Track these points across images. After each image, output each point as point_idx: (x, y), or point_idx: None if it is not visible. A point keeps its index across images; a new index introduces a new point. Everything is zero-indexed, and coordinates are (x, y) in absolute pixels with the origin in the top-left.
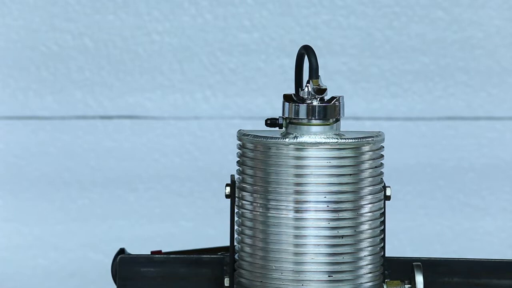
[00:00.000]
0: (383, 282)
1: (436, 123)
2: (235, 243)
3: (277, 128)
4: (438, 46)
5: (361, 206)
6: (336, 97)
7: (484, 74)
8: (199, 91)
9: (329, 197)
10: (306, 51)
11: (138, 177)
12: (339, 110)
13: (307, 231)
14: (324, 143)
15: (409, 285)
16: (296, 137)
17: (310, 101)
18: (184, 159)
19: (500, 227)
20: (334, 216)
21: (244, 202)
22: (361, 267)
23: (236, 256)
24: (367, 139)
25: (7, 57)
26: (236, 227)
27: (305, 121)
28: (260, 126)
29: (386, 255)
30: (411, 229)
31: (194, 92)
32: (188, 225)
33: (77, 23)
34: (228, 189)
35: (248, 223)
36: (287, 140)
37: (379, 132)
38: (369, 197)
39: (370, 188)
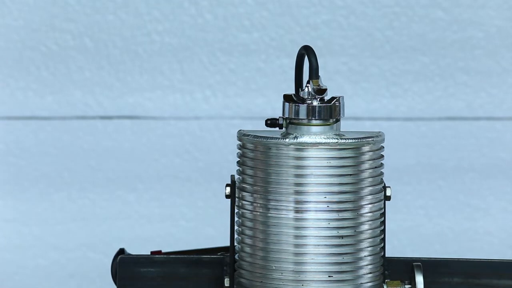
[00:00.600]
0: (383, 282)
1: (436, 123)
2: (235, 243)
3: (277, 128)
4: (438, 46)
5: (361, 206)
6: (336, 97)
7: (484, 74)
8: (199, 91)
9: (329, 197)
10: (306, 51)
11: (138, 177)
12: (339, 110)
13: (307, 231)
14: (324, 143)
15: (409, 285)
16: (296, 137)
17: (310, 101)
18: (184, 159)
19: (500, 227)
20: (334, 216)
21: (244, 202)
22: (361, 267)
23: (236, 256)
24: (367, 139)
25: (7, 57)
26: (236, 227)
27: (305, 121)
28: (260, 126)
29: (386, 255)
30: (411, 229)
31: (194, 92)
32: (188, 225)
33: (77, 23)
34: (228, 189)
35: (248, 223)
36: (287, 140)
37: (379, 132)
38: (369, 197)
39: (370, 188)
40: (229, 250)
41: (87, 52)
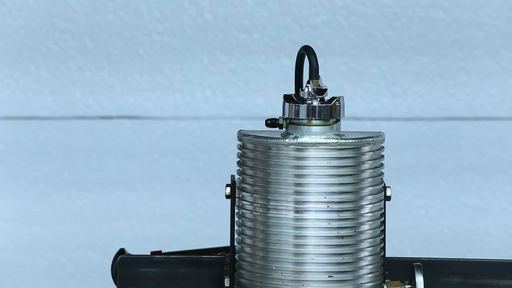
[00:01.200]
0: (384, 282)
1: (436, 123)
2: (235, 243)
3: (277, 129)
4: (438, 46)
5: (362, 207)
6: (336, 97)
7: (484, 74)
8: (199, 91)
9: (329, 198)
10: (306, 51)
11: (138, 177)
12: (339, 110)
13: (307, 232)
14: (324, 143)
15: (409, 286)
16: (296, 137)
17: (310, 101)
18: (184, 159)
19: (500, 227)
20: (334, 217)
21: (244, 202)
22: (361, 268)
23: (236, 256)
24: (367, 139)
25: (7, 57)
26: (236, 227)
27: (305, 121)
28: (260, 126)
29: (386, 255)
30: (411, 229)
31: (194, 92)
32: (188, 225)
33: (77, 23)
34: (228, 189)
35: (248, 224)
36: (287, 140)
37: (379, 132)
38: (370, 197)
39: (370, 188)
40: (229, 250)
41: (87, 52)
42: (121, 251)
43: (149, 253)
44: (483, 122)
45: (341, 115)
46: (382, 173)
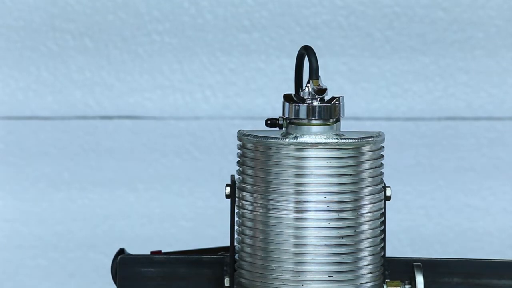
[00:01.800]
0: (383, 282)
1: (436, 123)
2: (235, 243)
3: (277, 128)
4: (438, 46)
5: (361, 206)
6: (336, 97)
7: (484, 74)
8: (199, 91)
9: (329, 197)
10: (306, 51)
11: (138, 177)
12: (339, 110)
13: (307, 231)
14: (324, 143)
15: (409, 285)
16: (296, 137)
17: (310, 101)
18: (184, 159)
19: (500, 227)
20: (334, 216)
21: (244, 202)
22: (361, 267)
23: (236, 256)
24: (367, 139)
25: (7, 57)
26: (236, 227)
27: (305, 121)
28: (260, 126)
29: (386, 255)
30: (411, 229)
31: (194, 92)
32: (188, 225)
33: (77, 23)
34: (228, 189)
35: (248, 223)
36: (287, 140)
37: (379, 132)
38: (369, 197)
39: (370, 188)
40: (229, 250)
41: (87, 52)
42: (121, 251)
43: (149, 253)
44: (483, 122)
45: (341, 115)
46: (382, 173)
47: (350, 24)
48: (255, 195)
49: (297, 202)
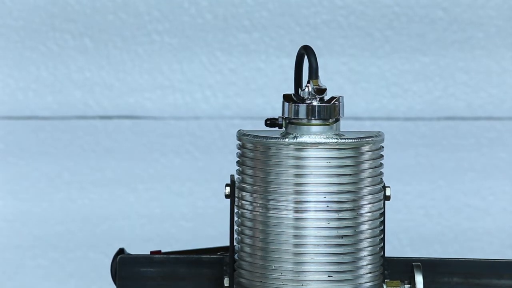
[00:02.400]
0: (383, 282)
1: (436, 123)
2: (235, 243)
3: (277, 128)
4: (438, 46)
5: (361, 206)
6: (336, 97)
7: (484, 74)
8: (199, 91)
9: (329, 197)
10: (306, 51)
11: (138, 177)
12: (339, 110)
13: (306, 231)
14: (323, 143)
15: (409, 285)
16: (296, 137)
17: (310, 101)
18: (184, 159)
19: (500, 227)
20: (334, 216)
21: (244, 202)
22: (361, 267)
23: (236, 256)
24: (367, 139)
25: (7, 57)
26: (235, 227)
27: (304, 121)
28: (260, 126)
29: (386, 255)
30: (411, 229)
31: (194, 92)
32: (188, 225)
33: (77, 23)
34: (228, 189)
35: (248, 223)
36: (286, 140)
37: (379, 132)
38: (369, 197)
39: (370, 188)
40: (228, 250)
41: (87, 52)
42: (121, 251)
43: (149, 253)
44: (483, 122)
45: (340, 115)
46: (381, 173)
47: (350, 24)
48: (254, 195)
49: (297, 202)
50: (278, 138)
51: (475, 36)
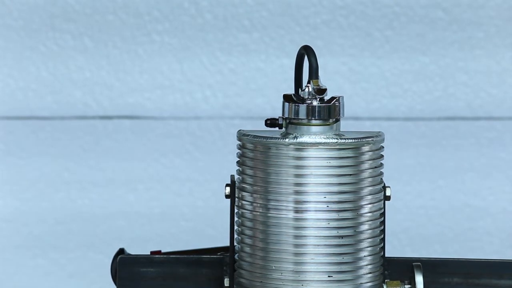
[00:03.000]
0: (383, 282)
1: (436, 123)
2: (235, 243)
3: (277, 128)
4: (438, 46)
5: (361, 206)
6: (336, 97)
7: (484, 74)
8: (199, 91)
9: (329, 197)
10: (306, 51)
11: (138, 177)
12: (339, 110)
13: (307, 231)
14: (324, 143)
15: (409, 285)
16: (296, 137)
17: (310, 101)
18: (184, 159)
19: (500, 227)
20: (334, 216)
21: (244, 202)
22: (361, 267)
23: (236, 256)
24: (367, 139)
25: (6, 57)
26: (236, 227)
27: (305, 121)
28: (260, 126)
29: (386, 255)
30: (411, 229)
31: (194, 92)
32: (188, 225)
33: (77, 23)
34: (228, 189)
35: (248, 223)
36: (287, 140)
37: (379, 132)
38: (369, 197)
39: (370, 188)
40: (229, 250)
41: (87, 52)
42: (121, 251)
43: (149, 253)
44: (483, 122)
45: (340, 115)
46: (381, 173)
47: (349, 24)
48: (254, 195)
49: (297, 202)
50: (278, 138)
51: (475, 36)
